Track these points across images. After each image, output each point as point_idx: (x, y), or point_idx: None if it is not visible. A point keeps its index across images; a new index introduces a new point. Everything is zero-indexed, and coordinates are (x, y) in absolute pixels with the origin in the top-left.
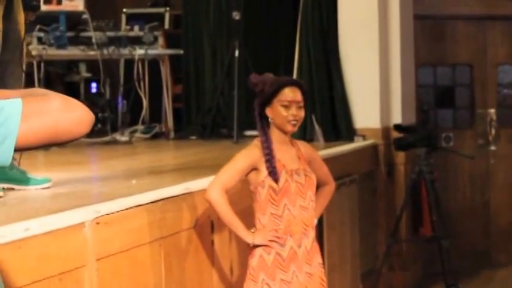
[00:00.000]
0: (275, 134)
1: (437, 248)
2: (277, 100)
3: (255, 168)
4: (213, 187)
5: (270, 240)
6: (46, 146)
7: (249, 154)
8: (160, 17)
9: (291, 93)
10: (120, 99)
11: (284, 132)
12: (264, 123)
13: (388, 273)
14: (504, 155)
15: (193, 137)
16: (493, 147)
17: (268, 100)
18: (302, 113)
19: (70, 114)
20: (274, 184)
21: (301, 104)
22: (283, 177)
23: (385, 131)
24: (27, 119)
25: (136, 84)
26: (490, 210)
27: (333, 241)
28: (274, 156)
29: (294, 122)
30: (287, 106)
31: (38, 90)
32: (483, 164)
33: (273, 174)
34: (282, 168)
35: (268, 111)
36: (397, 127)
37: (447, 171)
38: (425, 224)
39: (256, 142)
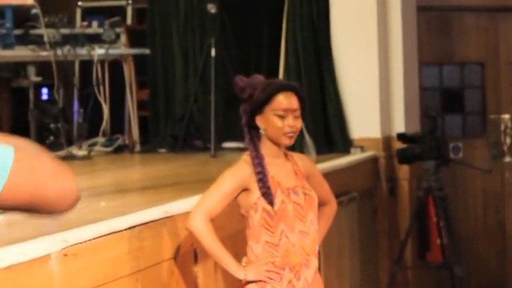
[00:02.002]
0: (267, 147)
1: (449, 276)
2: (270, 108)
3: (245, 189)
4: (196, 215)
5: (266, 276)
6: (16, 210)
7: (238, 173)
8: (121, 11)
9: (286, 100)
10: (76, 107)
11: (278, 145)
12: (253, 135)
13: None
14: None
15: (163, 150)
16: (508, 159)
17: (259, 108)
18: (299, 123)
19: (59, 184)
20: (268, 207)
21: (298, 113)
22: (278, 198)
23: (387, 141)
24: (14, 176)
25: (96, 89)
26: (506, 232)
27: (330, 270)
28: (267, 174)
29: (290, 134)
30: (282, 116)
31: (29, 146)
32: (497, 178)
33: (267, 195)
34: (277, 187)
35: (259, 121)
36: (401, 136)
37: (456, 186)
38: (434, 249)
39: (245, 157)
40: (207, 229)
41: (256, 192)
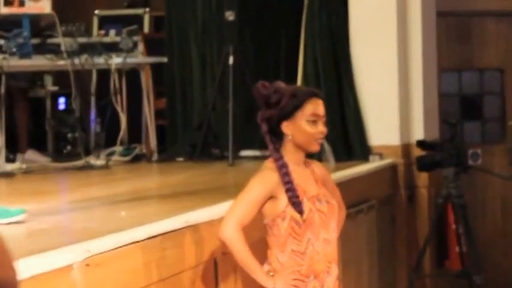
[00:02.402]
0: (290, 154)
1: (468, 285)
2: (301, 114)
3: (272, 197)
4: (227, 224)
5: (293, 285)
6: None
7: (266, 181)
8: (139, 20)
9: (317, 107)
10: (93, 116)
11: (306, 151)
12: (276, 141)
13: None
14: None
15: (180, 159)
16: None
17: (289, 114)
18: (326, 130)
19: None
20: (297, 215)
21: (325, 120)
22: (306, 205)
23: (406, 148)
24: None
25: (113, 98)
26: None
27: (348, 279)
28: (294, 181)
29: (320, 140)
30: (314, 121)
31: None
32: None
33: (297, 205)
34: (303, 194)
35: (287, 127)
36: (420, 144)
37: (475, 193)
38: (452, 256)
39: (270, 165)
40: (239, 238)
41: (283, 200)
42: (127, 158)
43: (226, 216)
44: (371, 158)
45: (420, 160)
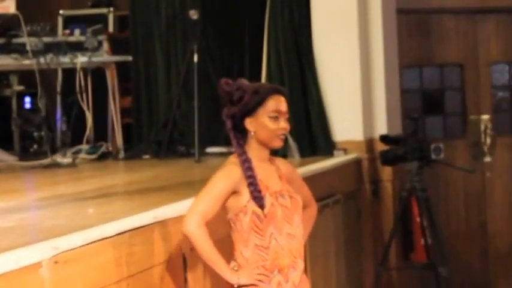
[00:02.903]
0: (254, 151)
1: (434, 277)
2: (263, 111)
3: (234, 192)
4: (190, 219)
5: (257, 279)
6: None
7: (229, 175)
8: (103, 19)
9: (279, 103)
10: (59, 115)
11: (269, 147)
12: (239, 138)
13: None
14: (501, 166)
15: (147, 156)
16: (488, 159)
17: (251, 110)
18: (289, 126)
19: None
20: (258, 210)
21: (287, 116)
22: (268, 200)
23: (369, 143)
24: None
25: (79, 97)
26: (488, 231)
27: (316, 272)
28: (256, 177)
29: (282, 136)
30: (276, 117)
31: None
32: (478, 178)
33: (258, 199)
34: (266, 190)
35: (250, 124)
36: (384, 138)
37: (438, 187)
38: (418, 249)
39: (234, 160)
40: (202, 233)
41: (245, 195)
42: (93, 156)
43: (189, 211)
44: (335, 153)
45: (384, 154)
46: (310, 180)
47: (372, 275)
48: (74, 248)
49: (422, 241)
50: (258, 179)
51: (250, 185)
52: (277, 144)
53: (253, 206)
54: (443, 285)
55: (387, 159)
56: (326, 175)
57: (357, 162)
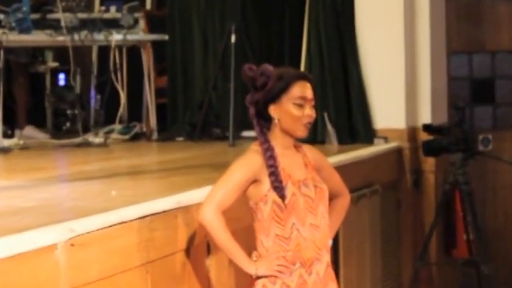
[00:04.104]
0: (278, 138)
1: (476, 275)
2: (287, 97)
3: (255, 180)
4: (206, 207)
5: (277, 270)
6: None
7: (249, 163)
8: None
9: (304, 89)
10: (93, 93)
11: (293, 135)
12: (263, 125)
13: None
14: None
15: (180, 139)
16: None
17: (275, 97)
18: (315, 114)
19: None
20: (279, 200)
21: (313, 103)
22: (289, 190)
23: (412, 132)
24: None
25: (113, 75)
26: None
27: (350, 266)
28: (279, 166)
29: (308, 125)
30: (301, 105)
31: None
32: None
33: (279, 189)
34: (288, 179)
35: (273, 111)
36: (427, 127)
37: (485, 181)
38: (460, 245)
39: (255, 147)
40: (218, 222)
41: (266, 184)
42: (126, 137)
43: (205, 200)
44: (376, 141)
45: (427, 144)
46: (347, 168)
47: (410, 269)
48: (92, 231)
49: (464, 236)
50: (279, 168)
51: (271, 174)
52: (302, 133)
53: (273, 196)
54: (486, 283)
55: (430, 149)
56: (364, 164)
57: (398, 152)
